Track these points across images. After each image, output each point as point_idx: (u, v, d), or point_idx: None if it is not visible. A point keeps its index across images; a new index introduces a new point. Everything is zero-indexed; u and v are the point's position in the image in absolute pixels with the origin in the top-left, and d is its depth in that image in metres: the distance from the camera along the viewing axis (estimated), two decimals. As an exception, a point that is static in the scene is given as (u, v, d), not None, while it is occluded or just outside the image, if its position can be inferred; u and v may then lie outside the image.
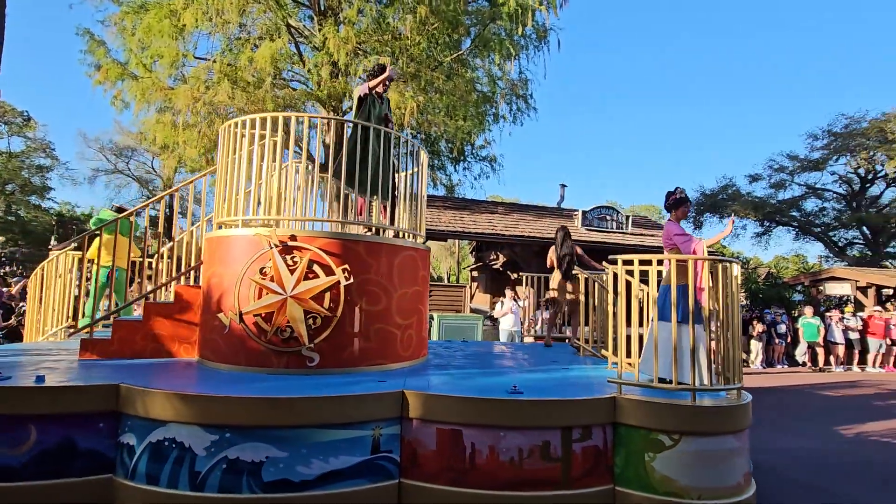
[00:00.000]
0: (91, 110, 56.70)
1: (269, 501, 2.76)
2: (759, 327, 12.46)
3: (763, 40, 72.78)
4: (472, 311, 13.10)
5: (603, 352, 4.86)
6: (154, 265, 5.12)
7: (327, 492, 2.82)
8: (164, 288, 4.84)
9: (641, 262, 3.49)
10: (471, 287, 15.30)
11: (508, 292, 9.84)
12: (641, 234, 15.66)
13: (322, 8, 13.86)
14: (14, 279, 10.62)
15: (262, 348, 3.70)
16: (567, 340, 6.33)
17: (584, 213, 15.16)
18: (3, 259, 27.41)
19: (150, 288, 4.67)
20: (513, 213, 15.85)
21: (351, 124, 4.44)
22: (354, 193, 4.47)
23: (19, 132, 27.56)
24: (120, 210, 5.85)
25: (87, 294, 5.58)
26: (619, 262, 3.44)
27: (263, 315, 3.69)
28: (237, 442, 2.81)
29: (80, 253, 5.64)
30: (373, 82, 4.73)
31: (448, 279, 30.85)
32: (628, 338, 3.52)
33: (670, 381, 3.25)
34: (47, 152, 29.07)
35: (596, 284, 5.28)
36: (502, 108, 15.77)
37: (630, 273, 3.53)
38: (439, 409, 3.01)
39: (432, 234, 10.75)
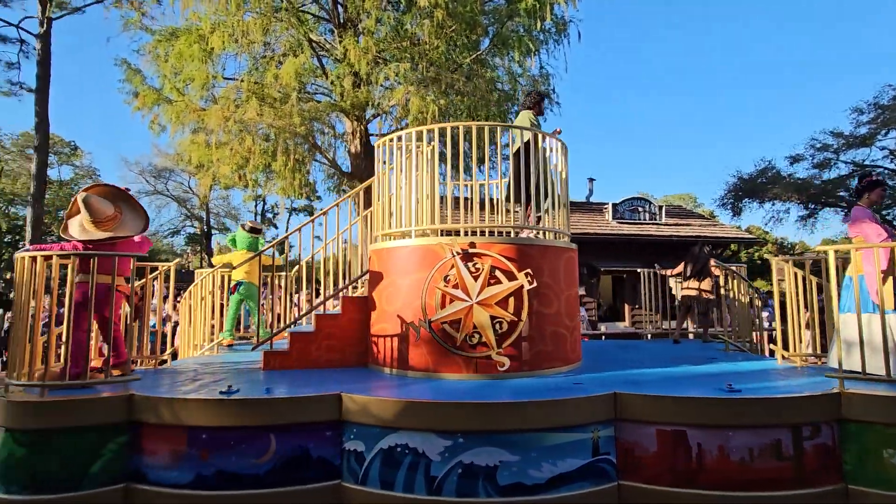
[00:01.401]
0: (131, 135, 59.81)
1: None
2: (807, 315, 11.87)
3: (793, 22, 69.80)
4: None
5: (771, 346, 4.88)
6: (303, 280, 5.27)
7: (557, 495, 2.85)
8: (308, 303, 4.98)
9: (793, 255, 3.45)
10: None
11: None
12: (677, 225, 15.26)
13: (341, 20, 14.18)
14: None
15: (451, 354, 3.79)
16: (715, 337, 6.51)
17: (614, 205, 14.91)
18: (58, 280, 29.11)
19: (318, 301, 4.83)
20: (541, 210, 15.67)
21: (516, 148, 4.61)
22: (523, 208, 4.57)
23: (67, 161, 29.31)
24: (254, 230, 6.06)
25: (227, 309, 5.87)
26: (830, 253, 3.30)
27: (450, 322, 3.79)
28: (471, 447, 2.85)
29: (227, 271, 5.91)
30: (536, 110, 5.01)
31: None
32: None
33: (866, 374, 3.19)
34: (93, 179, 30.81)
35: (738, 280, 5.35)
36: (524, 105, 15.64)
37: (799, 266, 3.56)
38: (659, 410, 2.99)
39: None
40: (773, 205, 23.39)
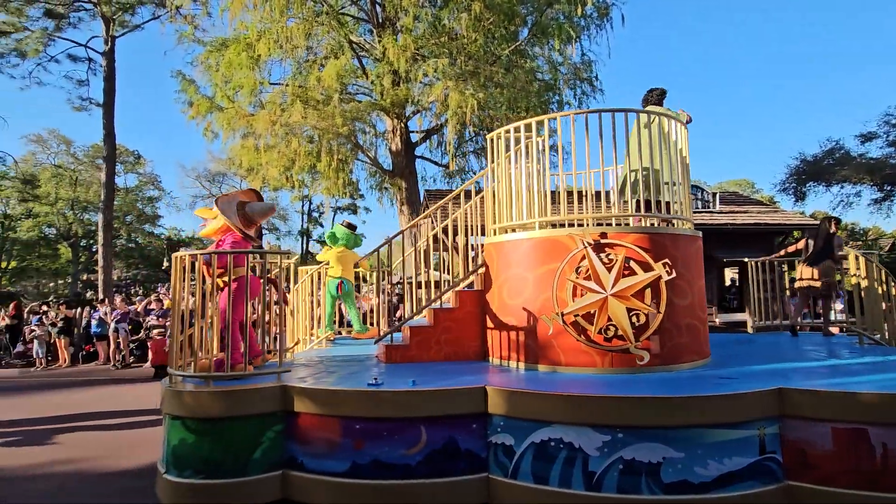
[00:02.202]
0: (187, 143, 63.58)
1: (672, 503, 2.66)
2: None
3: (816, 13, 64.82)
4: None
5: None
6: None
7: (726, 494, 2.69)
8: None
9: None
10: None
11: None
12: (732, 212, 14.46)
13: (380, 20, 14.34)
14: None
15: (584, 347, 3.66)
16: (843, 329, 6.12)
17: (663, 194, 14.26)
18: (128, 280, 31.53)
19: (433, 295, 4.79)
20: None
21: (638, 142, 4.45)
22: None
23: (132, 169, 31.42)
24: (350, 226, 6.20)
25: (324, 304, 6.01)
26: None
27: (583, 314, 3.66)
28: (631, 442, 2.74)
29: (325, 268, 6.03)
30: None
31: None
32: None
33: None
34: (155, 185, 32.73)
35: (874, 267, 4.98)
36: (566, 94, 15.29)
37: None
38: (835, 407, 2.76)
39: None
40: (842, 188, 21.65)
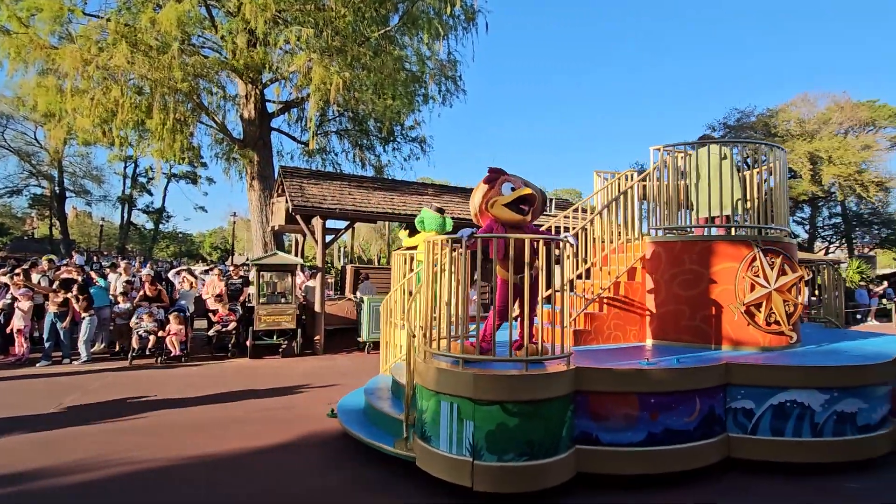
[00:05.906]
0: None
1: (864, 440, 3.82)
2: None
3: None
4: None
5: None
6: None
7: (884, 431, 3.87)
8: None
9: None
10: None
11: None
12: (566, 217, 16.40)
13: (237, -31, 12.68)
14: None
15: (752, 331, 4.69)
16: None
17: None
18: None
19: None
20: (444, 194, 15.81)
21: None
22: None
23: None
24: (439, 210, 6.18)
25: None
26: None
27: (755, 304, 4.68)
28: (843, 398, 3.75)
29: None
30: None
31: (378, 261, 30.37)
32: None
33: None
34: None
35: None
36: (431, 88, 15.64)
37: None
38: None
39: (362, 216, 10.43)
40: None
